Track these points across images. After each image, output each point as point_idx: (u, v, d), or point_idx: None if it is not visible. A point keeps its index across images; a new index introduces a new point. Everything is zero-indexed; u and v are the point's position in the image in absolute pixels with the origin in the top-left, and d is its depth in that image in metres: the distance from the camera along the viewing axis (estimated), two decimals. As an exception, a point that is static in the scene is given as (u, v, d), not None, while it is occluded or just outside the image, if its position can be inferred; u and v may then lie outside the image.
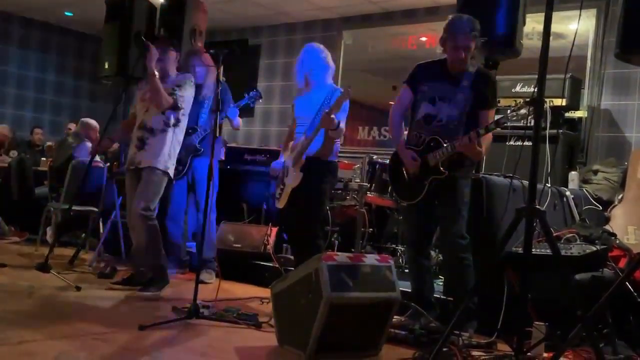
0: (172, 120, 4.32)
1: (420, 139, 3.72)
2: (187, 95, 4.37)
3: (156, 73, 4.21)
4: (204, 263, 4.94)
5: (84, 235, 5.97)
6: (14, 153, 7.87)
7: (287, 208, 4.22)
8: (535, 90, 2.71)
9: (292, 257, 4.92)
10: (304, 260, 3.22)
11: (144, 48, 4.28)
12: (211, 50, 4.39)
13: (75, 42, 10.40)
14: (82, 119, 6.76)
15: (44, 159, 7.67)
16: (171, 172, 4.37)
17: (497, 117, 3.72)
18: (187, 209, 5.29)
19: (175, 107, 4.30)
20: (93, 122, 6.67)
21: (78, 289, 4.17)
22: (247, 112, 8.67)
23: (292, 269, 3.89)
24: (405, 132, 3.91)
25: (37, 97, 10.07)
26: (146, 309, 3.91)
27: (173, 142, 4.34)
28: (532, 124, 2.77)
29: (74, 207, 5.37)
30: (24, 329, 3.18)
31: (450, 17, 3.77)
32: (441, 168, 3.60)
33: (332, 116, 3.85)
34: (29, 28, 9.87)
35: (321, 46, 4.34)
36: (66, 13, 9.36)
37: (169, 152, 4.32)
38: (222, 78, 4.08)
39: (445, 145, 3.58)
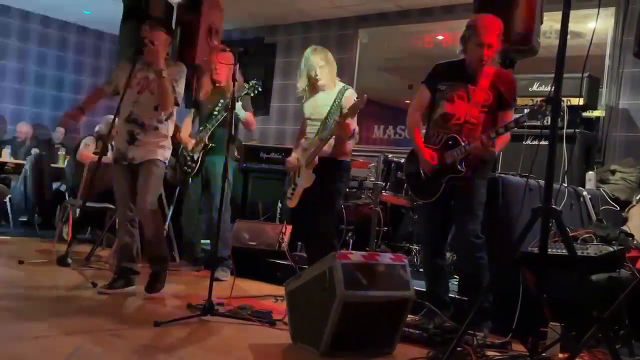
0: (164, 116, 4.17)
1: (438, 138, 3.71)
2: (182, 88, 4.19)
3: (164, 72, 4.00)
4: (219, 261, 4.97)
5: (99, 232, 6.02)
6: (35, 151, 7.95)
7: (299, 207, 4.23)
8: (553, 89, 2.70)
9: (306, 255, 4.93)
10: (318, 258, 3.22)
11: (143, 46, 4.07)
12: (227, 49, 4.40)
13: (93, 40, 10.48)
14: (106, 116, 6.76)
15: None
16: (167, 161, 4.25)
17: (515, 115, 3.70)
18: (201, 207, 5.31)
19: (176, 104, 4.16)
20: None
21: (94, 285, 4.21)
22: (260, 109, 8.72)
23: (306, 267, 3.89)
24: (423, 131, 3.90)
25: (55, 95, 10.16)
26: (162, 305, 3.94)
27: (166, 134, 4.20)
28: (549, 123, 2.75)
29: (91, 204, 5.42)
30: (41, 324, 3.22)
31: (474, 15, 3.76)
32: (459, 167, 3.59)
33: (348, 121, 3.85)
34: (47, 26, 9.95)
35: (319, 48, 4.32)
36: (84, 11, 9.43)
37: (166, 144, 4.20)
38: (239, 77, 4.08)
39: (463, 144, 3.57)
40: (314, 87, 4.27)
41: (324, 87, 4.25)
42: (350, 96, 4.21)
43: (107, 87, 4.38)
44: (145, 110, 4.13)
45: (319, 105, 4.21)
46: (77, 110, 4.32)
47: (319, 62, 4.22)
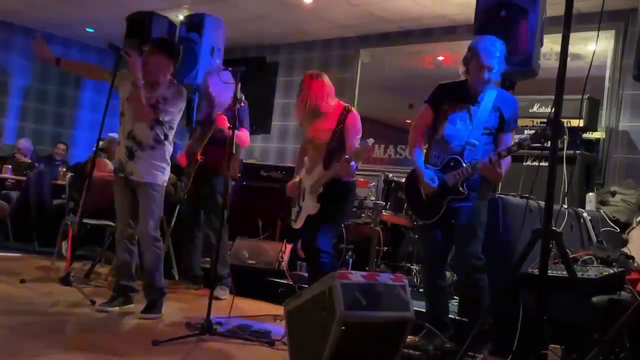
0: (161, 136, 4.15)
1: (440, 158, 3.71)
2: (174, 109, 4.18)
3: (140, 83, 4.01)
4: (218, 279, 4.95)
5: (98, 249, 6.00)
6: (36, 167, 7.96)
7: (304, 227, 4.22)
8: (553, 111, 2.71)
9: (306, 275, 4.91)
10: (318, 278, 3.21)
11: (120, 56, 4.15)
12: (229, 68, 4.41)
13: (96, 57, 10.53)
14: (109, 134, 6.74)
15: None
16: (165, 184, 4.25)
17: (517, 137, 3.71)
18: (195, 226, 5.30)
19: (157, 122, 4.12)
20: (116, 136, 6.68)
21: (93, 302, 4.19)
22: (262, 127, 8.76)
23: (306, 286, 3.88)
24: (424, 151, 3.90)
25: (57, 111, 10.21)
26: (160, 324, 3.93)
27: (165, 156, 4.20)
28: (549, 144, 2.76)
29: (90, 221, 5.41)
30: (40, 342, 3.21)
31: (476, 37, 3.78)
32: (460, 188, 3.59)
33: (351, 163, 3.83)
34: (51, 43, 9.88)
35: (315, 74, 4.25)
36: (87, 29, 9.49)
37: (163, 166, 4.19)
38: (240, 96, 4.08)
39: (465, 165, 3.58)
40: (313, 113, 4.22)
41: (327, 110, 4.21)
42: (355, 122, 4.14)
43: (107, 74, 4.39)
44: (142, 129, 4.14)
45: (320, 130, 4.17)
46: (52, 55, 4.48)
47: (318, 92, 4.15)
